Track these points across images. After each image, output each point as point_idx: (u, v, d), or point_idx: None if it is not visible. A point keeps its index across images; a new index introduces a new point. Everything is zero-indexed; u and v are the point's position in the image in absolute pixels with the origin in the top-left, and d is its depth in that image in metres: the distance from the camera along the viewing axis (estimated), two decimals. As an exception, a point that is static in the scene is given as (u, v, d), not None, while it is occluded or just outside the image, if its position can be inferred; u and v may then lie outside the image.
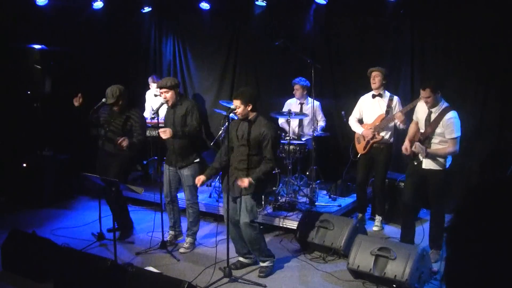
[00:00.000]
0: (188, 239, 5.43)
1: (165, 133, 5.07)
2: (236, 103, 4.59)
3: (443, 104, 4.74)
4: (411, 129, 5.08)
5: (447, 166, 4.81)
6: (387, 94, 5.85)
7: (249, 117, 4.64)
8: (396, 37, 6.78)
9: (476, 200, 1.12)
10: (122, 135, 5.34)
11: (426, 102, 4.74)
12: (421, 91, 4.72)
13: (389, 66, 6.53)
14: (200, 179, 4.81)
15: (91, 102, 5.62)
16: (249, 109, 4.59)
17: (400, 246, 4.54)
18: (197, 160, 5.27)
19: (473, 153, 6.13)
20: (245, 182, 4.46)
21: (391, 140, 5.88)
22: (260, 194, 4.91)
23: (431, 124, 4.74)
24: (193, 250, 5.40)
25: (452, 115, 4.65)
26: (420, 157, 4.80)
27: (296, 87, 6.74)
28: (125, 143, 5.24)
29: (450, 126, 4.63)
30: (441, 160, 4.78)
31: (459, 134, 4.67)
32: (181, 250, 5.35)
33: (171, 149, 5.29)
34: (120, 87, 5.43)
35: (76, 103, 5.40)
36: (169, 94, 5.11)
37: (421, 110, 4.93)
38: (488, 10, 5.98)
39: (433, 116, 4.75)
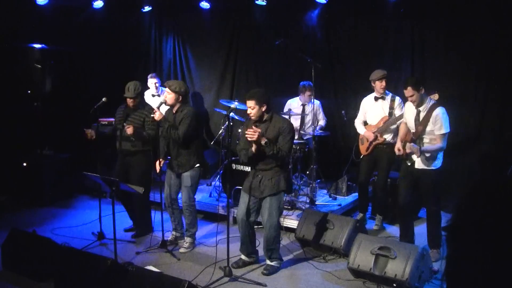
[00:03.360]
0: (188, 239, 5.44)
1: (129, 129, 5.31)
2: (250, 104, 4.53)
3: (430, 102, 4.76)
4: (402, 129, 5.12)
5: (439, 166, 4.83)
6: (389, 95, 5.85)
7: (264, 118, 4.59)
8: (396, 37, 6.78)
9: (476, 200, 1.12)
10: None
11: (412, 101, 4.75)
12: (404, 91, 4.74)
13: (389, 66, 6.53)
14: None
15: (91, 101, 5.63)
16: (263, 109, 4.55)
17: (400, 245, 4.53)
18: (197, 165, 5.26)
19: (473, 153, 6.13)
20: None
21: (394, 140, 5.87)
22: (287, 193, 4.85)
23: (421, 123, 4.75)
24: (193, 250, 5.40)
25: (439, 111, 4.66)
26: (414, 157, 4.81)
27: (308, 93, 6.58)
28: (129, 130, 5.32)
29: (439, 122, 4.64)
30: (433, 160, 4.79)
31: (448, 130, 4.68)
32: (181, 250, 5.36)
33: (171, 156, 5.32)
34: (140, 84, 5.53)
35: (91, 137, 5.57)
36: (170, 96, 5.15)
37: (409, 110, 4.94)
38: (488, 10, 5.98)
39: (422, 115, 4.76)
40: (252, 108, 4.54)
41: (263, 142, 4.41)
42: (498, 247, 1.03)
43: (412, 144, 4.71)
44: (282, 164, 4.65)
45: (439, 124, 4.64)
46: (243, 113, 6.35)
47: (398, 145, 4.97)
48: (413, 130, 4.87)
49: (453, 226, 1.11)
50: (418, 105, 4.75)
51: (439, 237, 5.00)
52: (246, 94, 4.75)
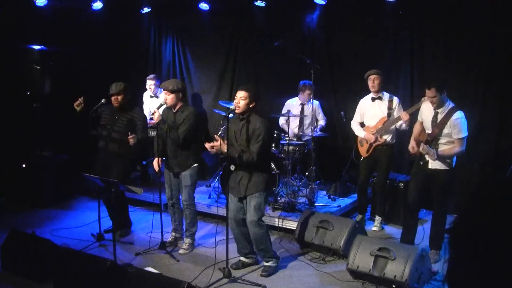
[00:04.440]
0: (187, 240, 5.44)
1: (131, 140, 5.30)
2: (242, 94, 4.51)
3: (450, 105, 4.73)
4: (416, 128, 5.06)
5: (452, 166, 4.81)
6: (386, 95, 5.85)
7: (244, 115, 4.58)
8: (395, 38, 6.79)
9: (477, 202, 1.12)
10: (126, 135, 5.37)
11: (432, 102, 4.71)
12: (427, 91, 4.69)
13: (389, 66, 6.54)
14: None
15: (91, 102, 5.62)
16: (251, 106, 4.54)
17: (399, 247, 4.54)
18: (195, 165, 5.25)
19: (473, 153, 6.11)
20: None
21: (393, 141, 5.88)
22: (266, 192, 4.80)
23: (438, 125, 4.72)
24: (193, 251, 5.40)
25: (459, 115, 4.64)
26: (427, 158, 4.79)
27: (308, 92, 6.58)
28: (132, 140, 5.31)
29: (457, 126, 4.62)
30: (448, 160, 4.77)
31: (466, 134, 4.66)
32: (180, 251, 5.35)
33: (169, 155, 5.30)
34: (124, 83, 5.53)
35: (77, 108, 5.44)
36: (169, 97, 5.14)
37: (426, 110, 4.89)
38: (487, 10, 5.99)
39: (439, 117, 4.73)
40: (243, 99, 4.51)
41: (223, 150, 4.51)
42: (499, 249, 1.03)
43: (427, 146, 4.68)
44: (261, 165, 4.60)
45: (457, 128, 4.62)
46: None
47: (412, 143, 4.93)
48: (428, 131, 4.84)
49: (455, 228, 1.11)
50: (438, 106, 4.73)
51: (441, 238, 4.99)
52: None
